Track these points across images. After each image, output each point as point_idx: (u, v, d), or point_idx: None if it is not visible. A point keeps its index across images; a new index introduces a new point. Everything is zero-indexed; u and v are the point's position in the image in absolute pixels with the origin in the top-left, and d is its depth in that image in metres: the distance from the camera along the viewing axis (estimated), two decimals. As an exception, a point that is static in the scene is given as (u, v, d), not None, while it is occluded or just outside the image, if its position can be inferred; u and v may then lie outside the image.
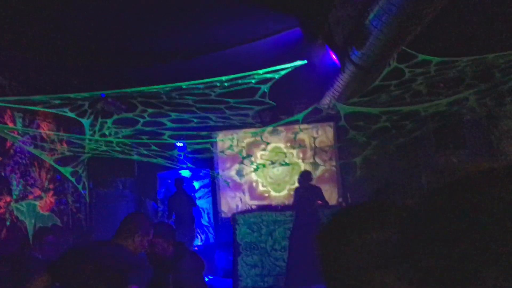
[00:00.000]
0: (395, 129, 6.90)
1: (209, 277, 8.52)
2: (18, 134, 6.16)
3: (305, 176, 7.65)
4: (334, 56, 4.64)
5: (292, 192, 8.08)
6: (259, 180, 9.62)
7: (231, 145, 8.07)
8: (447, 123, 7.08)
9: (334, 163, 9.23)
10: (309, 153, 8.91)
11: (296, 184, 7.83)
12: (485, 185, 0.58)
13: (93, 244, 4.19)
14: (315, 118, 7.10)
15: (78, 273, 2.92)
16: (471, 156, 7.53)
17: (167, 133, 6.78)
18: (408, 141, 7.59)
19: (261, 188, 9.64)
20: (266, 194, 9.39)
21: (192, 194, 9.77)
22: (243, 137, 7.91)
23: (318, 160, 8.87)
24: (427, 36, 4.34)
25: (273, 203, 8.53)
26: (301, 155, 9.16)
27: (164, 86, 4.97)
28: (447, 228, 0.57)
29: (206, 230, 10.21)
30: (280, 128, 8.82)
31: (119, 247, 3.05)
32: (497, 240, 0.53)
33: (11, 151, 5.95)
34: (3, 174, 5.70)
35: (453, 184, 0.61)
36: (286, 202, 8.38)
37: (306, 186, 7.51)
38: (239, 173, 9.54)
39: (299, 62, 4.73)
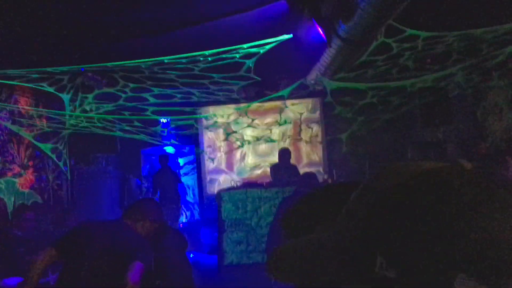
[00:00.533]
0: (382, 105, 6.85)
1: (195, 253, 8.52)
2: (-5, 109, 5.99)
3: (284, 154, 7.59)
4: (320, 30, 4.52)
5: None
6: (245, 155, 9.58)
7: (215, 121, 7.95)
8: (434, 99, 7.04)
9: (320, 140, 9.18)
10: (295, 130, 8.83)
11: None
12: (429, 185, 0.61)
13: (101, 221, 4.19)
14: (301, 93, 7.01)
15: (86, 249, 2.94)
16: (457, 132, 7.53)
17: (150, 108, 6.65)
18: (395, 117, 7.56)
19: (247, 163, 9.59)
20: (251, 171, 9.35)
21: (177, 171, 9.68)
22: (227, 113, 7.79)
23: (304, 137, 8.80)
24: (415, 10, 4.24)
25: (258, 180, 8.48)
26: (287, 132, 9.09)
27: (145, 60, 4.83)
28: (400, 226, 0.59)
29: (191, 207, 10.17)
30: (266, 104, 8.71)
31: (128, 227, 3.09)
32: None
33: (-12, 127, 5.77)
34: (-20, 151, 5.54)
35: (402, 185, 0.63)
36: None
37: (285, 164, 7.46)
38: (224, 149, 9.46)
39: (284, 36, 4.61)
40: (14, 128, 6.08)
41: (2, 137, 6.05)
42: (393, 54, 5.17)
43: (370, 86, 6.05)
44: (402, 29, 4.41)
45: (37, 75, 4.99)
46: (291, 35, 4.56)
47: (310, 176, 5.67)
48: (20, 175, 6.39)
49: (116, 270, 2.89)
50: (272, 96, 6.88)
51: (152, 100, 6.41)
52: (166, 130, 7.92)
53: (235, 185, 7.27)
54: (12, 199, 6.09)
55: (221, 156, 9.42)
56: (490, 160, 5.91)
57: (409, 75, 6.14)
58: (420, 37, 4.69)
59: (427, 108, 7.77)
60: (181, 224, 9.23)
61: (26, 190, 6.49)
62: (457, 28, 4.73)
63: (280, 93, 6.62)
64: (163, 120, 8.25)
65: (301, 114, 8.64)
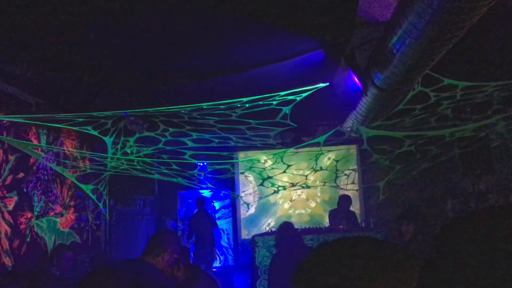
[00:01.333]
0: (420, 154, 6.75)
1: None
2: (42, 151, 6.25)
3: (345, 200, 7.82)
4: (356, 79, 4.58)
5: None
6: (281, 201, 9.55)
7: (251, 166, 8.01)
8: (475, 149, 6.89)
9: (356, 187, 9.07)
10: (331, 176, 8.78)
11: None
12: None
13: (122, 262, 4.11)
14: (337, 140, 7.01)
15: None
16: (499, 183, 7.29)
17: (188, 152, 6.80)
18: (434, 166, 7.42)
19: (282, 209, 9.55)
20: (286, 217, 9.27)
21: (213, 214, 9.72)
22: (263, 158, 7.86)
23: (340, 184, 8.73)
24: (453, 60, 4.25)
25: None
26: (322, 178, 9.04)
27: (185, 106, 4.98)
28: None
29: (225, 251, 10.12)
30: (302, 150, 8.74)
31: (150, 266, 2.99)
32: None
33: (34, 167, 6.03)
34: (25, 190, 5.77)
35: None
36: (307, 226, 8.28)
37: (344, 210, 7.59)
38: (259, 194, 9.46)
39: (321, 84, 4.68)
40: (59, 169, 6.32)
41: (46, 177, 6.29)
42: (430, 103, 5.15)
43: (407, 135, 5.99)
44: (439, 78, 4.41)
45: (83, 119, 5.22)
46: (327, 83, 4.63)
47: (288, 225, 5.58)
48: (61, 215, 6.58)
49: None
50: (308, 142, 6.91)
51: (190, 144, 6.57)
52: (203, 174, 8.03)
53: (269, 230, 7.22)
54: (53, 238, 6.26)
55: (256, 201, 9.43)
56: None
57: (448, 124, 6.07)
58: (458, 87, 4.67)
59: (467, 158, 7.60)
60: (214, 269, 9.18)
61: (66, 230, 6.66)
62: (497, 79, 4.69)
63: (316, 140, 6.64)
64: (200, 163, 8.39)
65: (337, 161, 8.60)
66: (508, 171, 7.13)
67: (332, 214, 7.84)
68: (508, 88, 4.83)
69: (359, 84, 4.60)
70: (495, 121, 5.69)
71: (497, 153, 7.31)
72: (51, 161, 6.39)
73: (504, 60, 4.93)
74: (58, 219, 6.46)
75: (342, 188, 8.56)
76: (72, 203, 6.89)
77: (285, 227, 5.43)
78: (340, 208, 7.80)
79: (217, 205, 10.29)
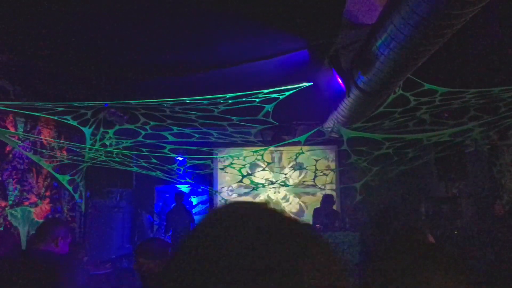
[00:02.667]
0: (397, 157, 6.87)
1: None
2: (19, 139, 6.14)
3: (328, 199, 7.95)
4: (339, 80, 4.63)
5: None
6: (258, 198, 9.57)
7: (231, 163, 8.02)
8: (450, 153, 7.05)
9: (334, 187, 9.16)
10: (310, 176, 8.85)
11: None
12: None
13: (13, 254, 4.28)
14: (318, 140, 7.07)
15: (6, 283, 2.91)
16: (472, 188, 7.47)
17: (168, 146, 6.76)
18: (410, 170, 7.55)
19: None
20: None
21: (191, 210, 9.67)
22: (243, 155, 7.87)
23: (318, 183, 8.80)
24: (433, 66, 4.34)
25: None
26: (301, 177, 9.10)
27: (168, 100, 4.96)
28: None
29: (202, 246, 10.09)
30: (282, 149, 8.78)
31: (39, 251, 3.19)
32: None
33: (10, 156, 5.91)
34: (0, 178, 5.65)
35: None
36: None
37: (327, 209, 7.66)
38: (238, 191, 9.48)
39: (304, 84, 4.73)
40: (35, 158, 6.21)
41: (22, 166, 6.18)
42: (410, 107, 5.25)
43: (386, 137, 6.09)
44: (420, 83, 4.50)
45: (63, 109, 5.15)
46: (311, 83, 4.67)
47: None
48: (36, 204, 6.47)
49: None
50: (289, 141, 6.95)
51: (170, 138, 6.53)
52: (182, 169, 7.99)
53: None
54: (26, 228, 6.15)
55: (234, 197, 9.43)
56: (504, 224, 5.86)
57: (426, 129, 6.20)
58: (437, 92, 4.77)
59: (442, 163, 7.76)
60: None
61: (41, 220, 6.55)
62: (475, 86, 4.81)
63: (297, 139, 6.69)
64: (180, 158, 8.35)
65: (316, 160, 8.68)
66: (480, 176, 7.32)
67: (315, 212, 7.93)
68: (486, 95, 4.96)
69: (342, 85, 4.65)
70: (471, 127, 5.84)
71: (471, 159, 7.49)
72: (27, 150, 6.27)
73: (483, 68, 5.05)
74: (32, 209, 6.35)
75: (320, 188, 8.64)
76: (47, 194, 6.78)
77: None
78: (323, 207, 7.89)
79: (194, 200, 10.25)
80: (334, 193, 8.96)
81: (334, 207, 8.26)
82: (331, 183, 9.00)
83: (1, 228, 5.62)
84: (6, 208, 5.76)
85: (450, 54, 4.53)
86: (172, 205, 9.12)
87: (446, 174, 7.78)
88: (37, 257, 3.14)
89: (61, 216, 7.08)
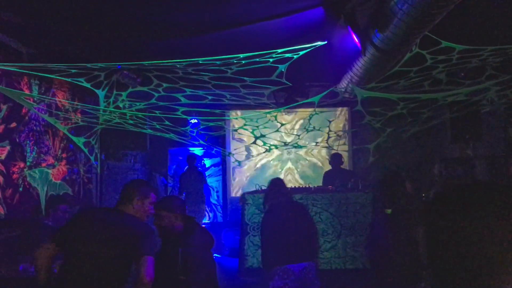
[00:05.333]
0: (412, 117, 6.82)
1: (216, 255, 8.58)
2: (34, 101, 6.18)
3: (336, 159, 7.85)
4: (355, 38, 4.55)
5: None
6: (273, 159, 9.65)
7: (244, 125, 8.02)
8: (465, 114, 6.97)
9: (347, 148, 9.17)
10: (323, 137, 8.84)
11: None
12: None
13: (96, 211, 4.19)
14: (331, 101, 7.02)
15: (87, 241, 2.93)
16: (487, 149, 7.42)
17: (181, 108, 6.77)
18: (424, 131, 7.50)
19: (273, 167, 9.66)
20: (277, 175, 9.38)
21: (204, 172, 9.78)
22: (257, 117, 7.86)
23: (331, 144, 8.81)
24: (452, 23, 4.24)
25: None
26: (315, 139, 9.11)
27: (181, 60, 4.93)
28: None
29: (215, 208, 10.26)
30: (295, 110, 8.75)
31: (125, 214, 3.08)
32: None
33: (26, 118, 5.97)
34: (17, 140, 5.74)
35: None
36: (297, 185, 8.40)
37: (338, 169, 7.65)
38: (251, 152, 9.53)
39: (319, 43, 4.64)
40: (51, 120, 6.27)
41: (39, 128, 6.25)
42: (426, 65, 5.16)
43: (401, 97, 6.03)
44: (437, 40, 4.41)
45: (76, 70, 5.15)
46: (325, 42, 4.59)
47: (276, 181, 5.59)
48: (53, 166, 6.58)
49: (121, 260, 2.90)
50: (301, 102, 6.91)
51: (183, 100, 6.53)
52: (195, 131, 8.03)
53: (259, 188, 7.30)
54: (45, 189, 6.28)
55: (248, 159, 9.50)
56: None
57: (442, 89, 6.11)
58: (455, 50, 4.68)
59: (457, 124, 7.69)
60: (203, 225, 9.32)
61: (58, 181, 6.68)
62: (493, 43, 4.70)
63: (310, 100, 6.65)
64: (193, 120, 8.38)
65: (330, 121, 8.65)
66: (495, 137, 7.26)
67: (326, 174, 7.96)
68: (504, 53, 4.85)
69: (358, 44, 4.57)
70: (488, 86, 5.75)
71: (486, 119, 7.41)
72: (43, 112, 6.33)
73: (501, 25, 4.93)
74: (50, 170, 6.47)
75: (333, 149, 8.64)
76: (64, 155, 6.88)
77: (276, 183, 5.46)
78: (333, 167, 7.91)
79: (207, 163, 10.35)
80: (346, 154, 8.98)
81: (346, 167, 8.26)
82: (344, 144, 9.00)
83: (21, 189, 5.74)
84: (25, 169, 5.87)
85: (468, 11, 4.41)
86: (185, 168, 9.22)
87: (460, 135, 7.73)
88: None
89: (77, 177, 7.20)
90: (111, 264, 2.89)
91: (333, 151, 8.48)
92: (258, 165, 9.79)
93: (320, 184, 7.91)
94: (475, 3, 4.28)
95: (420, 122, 6.96)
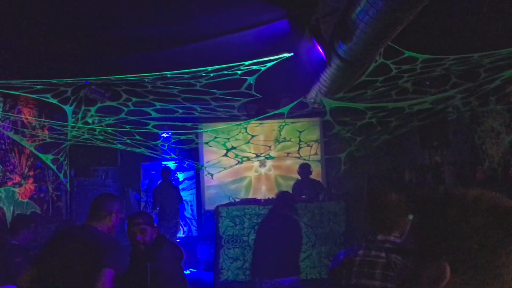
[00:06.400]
0: (380, 126, 6.93)
1: (191, 270, 8.49)
2: (-1, 119, 6.06)
3: (304, 169, 7.78)
4: (320, 50, 4.61)
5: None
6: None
7: (215, 137, 8.01)
8: (432, 122, 7.11)
9: (319, 158, 9.23)
10: (294, 148, 8.89)
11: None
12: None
13: (71, 228, 4.23)
14: (301, 112, 7.08)
15: (59, 259, 2.93)
16: (455, 155, 7.58)
17: (152, 122, 6.73)
18: (393, 139, 7.62)
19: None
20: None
21: (178, 186, 9.69)
22: (228, 129, 7.87)
23: (302, 155, 8.86)
24: (413, 33, 4.34)
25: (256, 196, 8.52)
26: (286, 149, 9.15)
27: (148, 74, 4.92)
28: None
29: (189, 222, 10.17)
30: (266, 122, 8.79)
31: (92, 228, 3.08)
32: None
33: (-9, 136, 5.84)
34: (-19, 159, 5.59)
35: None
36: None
37: (307, 179, 7.65)
38: (223, 165, 9.50)
39: (285, 54, 4.70)
40: (17, 138, 6.14)
41: (4, 147, 6.10)
42: (392, 75, 5.26)
43: (369, 106, 6.12)
44: (400, 50, 4.50)
45: (41, 86, 5.07)
46: (292, 53, 4.65)
47: (284, 195, 5.67)
48: (20, 184, 6.43)
49: (85, 276, 2.86)
50: (272, 113, 6.96)
51: (154, 114, 6.50)
52: (166, 145, 7.97)
53: (233, 201, 7.29)
54: (11, 208, 6.12)
55: (220, 171, 9.46)
56: (486, 186, 5.95)
57: (409, 97, 6.23)
58: (418, 59, 4.78)
59: (425, 131, 7.83)
60: (178, 239, 9.23)
61: (26, 200, 6.52)
62: (456, 52, 4.83)
63: (280, 111, 6.69)
64: (164, 134, 8.32)
65: (300, 132, 8.71)
66: (462, 143, 7.42)
67: (296, 185, 7.98)
68: (466, 61, 4.98)
69: (323, 55, 4.63)
70: (453, 94, 5.88)
71: (453, 126, 7.57)
72: (8, 129, 6.19)
73: (462, 33, 5.07)
74: (16, 189, 6.31)
75: (304, 159, 8.69)
76: (31, 173, 6.73)
77: (281, 196, 5.50)
78: (301, 177, 7.94)
79: (181, 176, 10.27)
80: (319, 164, 9.04)
81: (318, 178, 8.31)
82: (315, 154, 9.07)
83: (-15, 209, 5.59)
84: (-11, 189, 5.72)
85: (429, 20, 4.53)
86: (159, 182, 9.13)
87: (429, 142, 7.87)
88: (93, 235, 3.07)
89: (46, 195, 7.05)
90: (77, 279, 2.87)
91: (302, 161, 8.52)
92: (231, 178, 9.76)
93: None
94: (435, 12, 4.40)
95: (389, 130, 7.08)
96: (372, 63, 4.75)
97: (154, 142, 7.25)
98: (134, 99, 6.01)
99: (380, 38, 3.79)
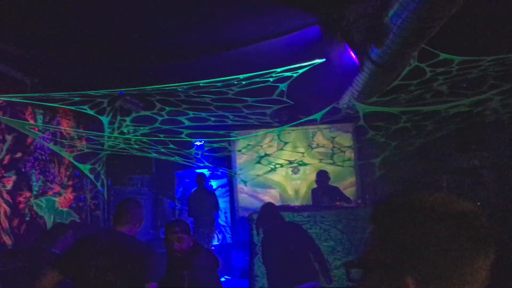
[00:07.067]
0: (416, 130, 6.79)
1: (226, 277, 8.50)
2: (39, 130, 6.25)
3: (322, 176, 7.68)
4: (353, 54, 4.58)
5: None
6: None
7: (248, 144, 8.03)
8: (469, 124, 6.93)
9: (352, 164, 9.13)
10: (328, 154, 8.82)
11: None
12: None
13: (97, 234, 4.24)
14: (334, 118, 7.02)
15: (91, 265, 2.94)
16: (493, 158, 7.36)
17: (185, 131, 6.81)
18: (429, 142, 7.46)
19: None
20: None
21: (214, 192, 9.66)
22: (260, 136, 7.88)
23: (336, 161, 8.77)
24: (449, 35, 4.25)
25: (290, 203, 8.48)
26: (319, 156, 9.08)
27: (182, 84, 4.98)
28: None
29: (223, 229, 10.20)
30: (298, 128, 8.76)
31: (125, 235, 3.10)
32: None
33: (32, 147, 6.03)
34: (23, 170, 5.78)
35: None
36: (305, 203, 8.36)
37: (324, 186, 7.57)
38: (256, 172, 9.51)
39: (317, 61, 4.67)
40: (56, 148, 6.33)
41: (44, 157, 6.30)
42: (426, 78, 5.16)
43: (403, 110, 6.01)
44: (435, 53, 4.41)
45: (79, 98, 5.21)
46: (323, 59, 4.62)
47: (267, 206, 5.58)
48: (59, 194, 6.61)
49: (128, 281, 2.92)
50: (304, 119, 6.92)
51: (187, 123, 6.57)
52: (200, 153, 8.04)
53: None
54: (52, 217, 6.30)
55: (253, 179, 9.47)
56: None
57: (444, 100, 6.09)
58: (454, 61, 4.67)
59: (462, 134, 7.64)
60: (213, 247, 9.26)
61: (65, 209, 6.70)
62: (493, 53, 4.69)
63: (312, 117, 6.65)
64: (197, 142, 8.40)
65: (333, 138, 8.63)
66: (501, 146, 7.20)
67: (313, 192, 7.86)
68: (503, 62, 4.84)
69: (356, 60, 4.59)
70: (490, 96, 5.72)
71: (491, 129, 7.36)
72: (48, 140, 6.39)
73: (500, 34, 4.93)
74: (56, 199, 6.50)
75: (338, 165, 8.61)
76: (70, 183, 6.92)
77: (267, 207, 5.46)
78: (319, 185, 7.81)
79: (214, 184, 10.33)
80: (353, 170, 8.93)
81: (353, 184, 8.18)
82: (349, 160, 8.97)
83: (28, 219, 5.76)
84: (31, 199, 5.90)
85: (465, 21, 4.42)
86: (193, 189, 9.15)
87: (466, 145, 7.66)
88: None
89: (84, 204, 7.22)
90: (116, 285, 2.90)
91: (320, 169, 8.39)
92: (264, 185, 9.76)
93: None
94: (471, 13, 4.29)
95: (425, 134, 6.93)
96: (406, 66, 4.67)
97: (187, 151, 7.33)
98: (168, 109, 6.10)
99: (414, 41, 3.73)
